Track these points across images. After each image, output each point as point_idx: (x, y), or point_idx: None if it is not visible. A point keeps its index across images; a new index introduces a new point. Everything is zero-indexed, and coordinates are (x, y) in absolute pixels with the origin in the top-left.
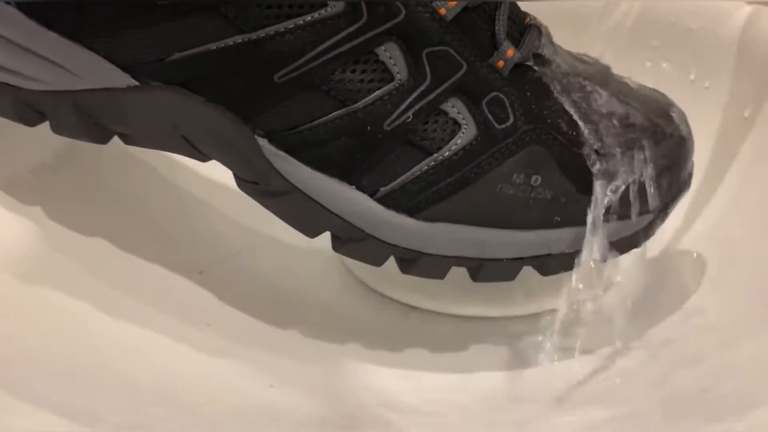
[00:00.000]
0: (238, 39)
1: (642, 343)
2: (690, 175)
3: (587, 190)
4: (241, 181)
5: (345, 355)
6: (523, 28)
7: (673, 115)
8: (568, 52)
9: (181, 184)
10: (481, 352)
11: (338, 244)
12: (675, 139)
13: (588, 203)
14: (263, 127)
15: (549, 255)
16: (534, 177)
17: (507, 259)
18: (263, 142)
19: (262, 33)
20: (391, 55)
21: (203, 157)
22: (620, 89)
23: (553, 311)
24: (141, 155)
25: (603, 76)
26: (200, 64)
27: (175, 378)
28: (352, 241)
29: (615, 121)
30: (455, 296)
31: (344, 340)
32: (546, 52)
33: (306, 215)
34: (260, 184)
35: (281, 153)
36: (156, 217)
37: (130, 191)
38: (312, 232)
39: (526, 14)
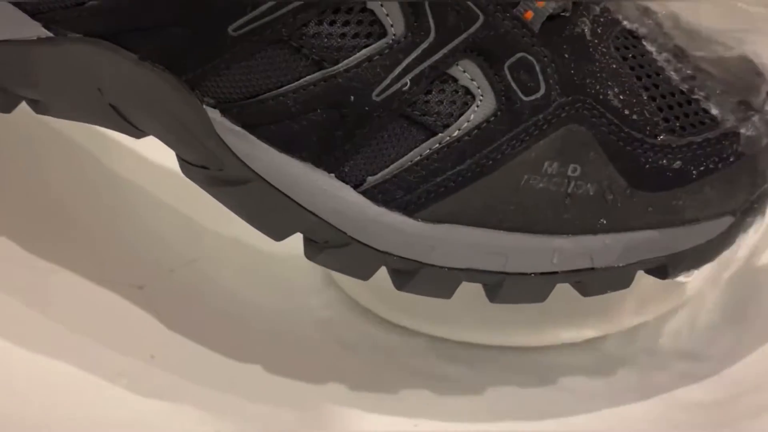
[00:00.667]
0: None
1: (712, 370)
2: None
3: (644, 184)
4: (186, 164)
5: (326, 396)
6: None
7: (763, 86)
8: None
9: (116, 172)
10: (505, 391)
11: (313, 250)
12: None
13: (645, 201)
14: (214, 94)
15: (592, 269)
16: (572, 166)
17: (535, 274)
18: (214, 114)
19: None
20: (383, 1)
21: (138, 132)
22: (695, 53)
23: (599, 339)
24: (62, 134)
25: (673, 32)
26: (130, 10)
27: (105, 427)
28: (331, 246)
29: (685, 92)
30: (472, 319)
31: (326, 376)
32: None
33: (270, 211)
34: (210, 169)
35: (238, 129)
36: (82, 217)
37: (49, 183)
38: (278, 234)
39: None
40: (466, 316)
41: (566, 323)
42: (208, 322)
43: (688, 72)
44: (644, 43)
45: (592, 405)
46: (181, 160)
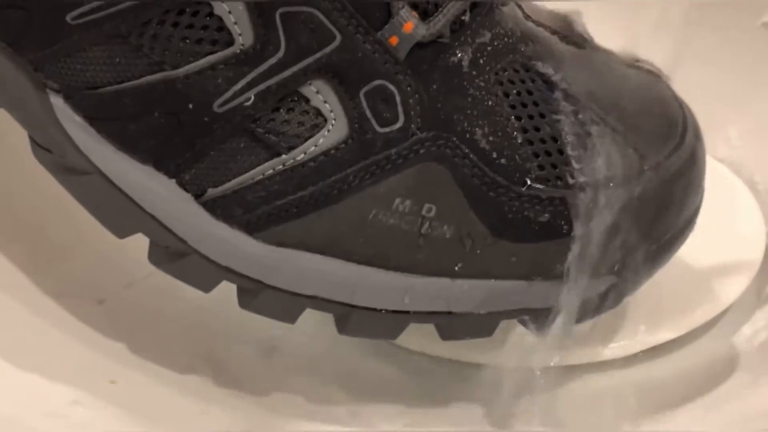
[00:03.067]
0: None
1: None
2: (688, 223)
3: (506, 233)
4: (35, 144)
5: (314, 417)
6: None
7: (676, 129)
8: (534, 19)
9: None
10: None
11: (156, 255)
12: (667, 169)
13: (508, 250)
14: (57, 79)
15: (449, 313)
16: (427, 206)
17: (386, 311)
18: (56, 100)
19: None
20: (231, 8)
21: None
22: (599, 84)
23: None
24: (12, 142)
25: (577, 59)
26: None
27: None
28: (172, 253)
29: (570, 137)
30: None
31: (312, 397)
32: (485, 22)
33: (110, 208)
34: (54, 154)
35: (78, 119)
36: (34, 226)
37: None
38: (120, 231)
39: None
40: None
41: (588, 342)
42: (174, 339)
43: (586, 117)
44: (541, 78)
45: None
46: (31, 140)
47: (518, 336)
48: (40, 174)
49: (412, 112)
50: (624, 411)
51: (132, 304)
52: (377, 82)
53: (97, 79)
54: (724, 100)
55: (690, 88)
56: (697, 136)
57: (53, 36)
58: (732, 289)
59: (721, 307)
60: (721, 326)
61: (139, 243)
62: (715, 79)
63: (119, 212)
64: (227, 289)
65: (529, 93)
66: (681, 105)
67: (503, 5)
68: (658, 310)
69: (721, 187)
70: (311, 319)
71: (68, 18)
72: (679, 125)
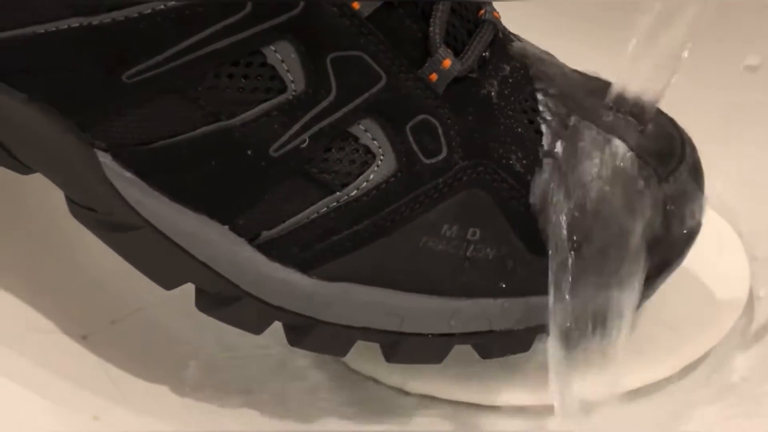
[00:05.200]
0: (76, 22)
1: None
2: (681, 254)
3: (543, 250)
4: (74, 205)
5: None
6: (475, 24)
7: (676, 144)
8: (548, 58)
9: (56, 214)
10: None
11: (205, 302)
12: (675, 181)
13: (545, 266)
14: (106, 138)
15: (490, 332)
16: (471, 230)
17: (432, 335)
18: (105, 158)
19: (107, 18)
20: (284, 57)
21: (25, 170)
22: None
23: None
24: None
25: (590, 94)
26: (20, 51)
27: None
28: (223, 298)
29: (593, 162)
30: (465, 378)
31: None
32: (502, 57)
33: (160, 260)
34: (99, 213)
35: (129, 175)
36: (20, 260)
37: None
38: (168, 283)
39: (480, 4)
40: (460, 374)
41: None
42: (159, 376)
43: (600, 137)
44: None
45: None
46: (69, 200)
47: (510, 378)
48: (23, 209)
49: (454, 143)
50: None
51: (117, 340)
52: (421, 116)
53: (150, 135)
54: (707, 145)
55: None
56: (694, 150)
57: (106, 96)
58: (716, 330)
59: (705, 348)
60: (705, 367)
61: (125, 279)
62: (698, 124)
63: (169, 264)
64: (213, 329)
65: (557, 122)
66: (674, 124)
67: (512, 42)
68: (642, 351)
69: (705, 228)
70: (298, 361)
71: (124, 77)
72: (677, 141)
